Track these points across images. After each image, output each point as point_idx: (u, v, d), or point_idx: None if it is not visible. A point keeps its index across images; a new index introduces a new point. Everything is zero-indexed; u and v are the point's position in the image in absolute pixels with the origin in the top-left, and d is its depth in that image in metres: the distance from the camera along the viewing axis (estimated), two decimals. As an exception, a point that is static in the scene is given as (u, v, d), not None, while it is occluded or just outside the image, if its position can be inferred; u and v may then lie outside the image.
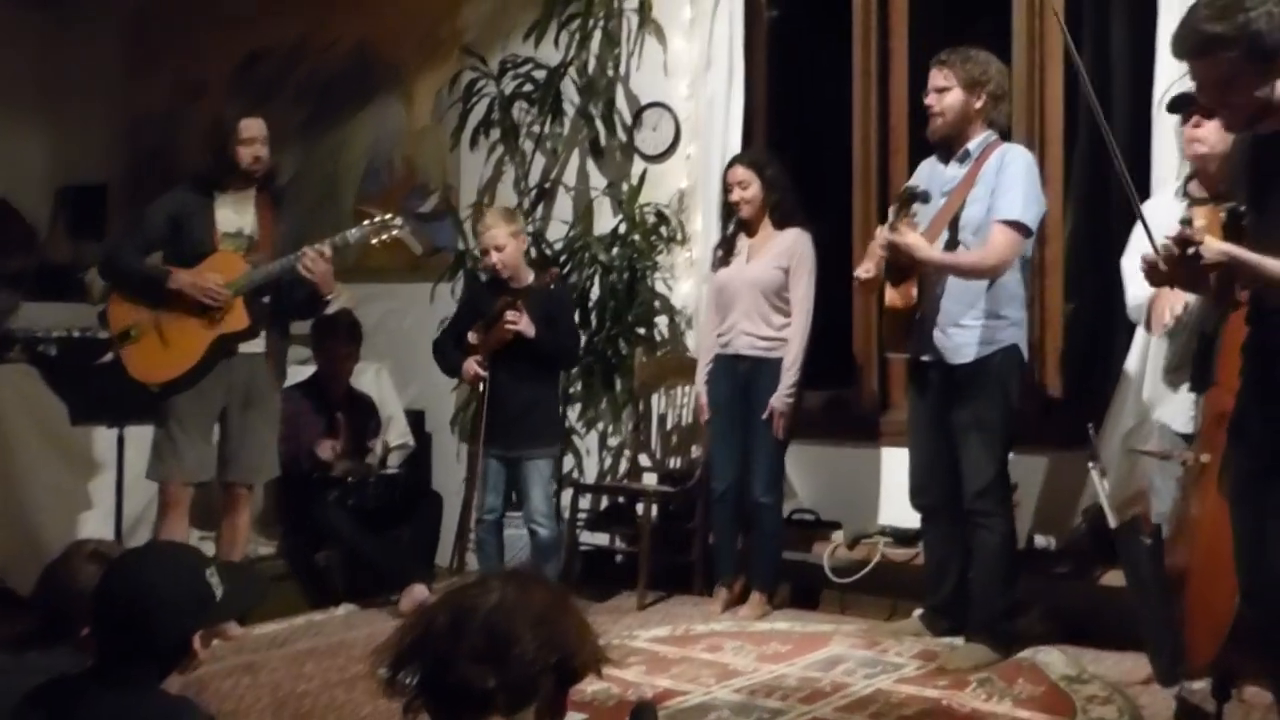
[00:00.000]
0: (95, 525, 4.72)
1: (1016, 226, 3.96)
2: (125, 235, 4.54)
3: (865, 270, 4.20)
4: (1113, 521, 3.52)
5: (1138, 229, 3.94)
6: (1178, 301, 3.71)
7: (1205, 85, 2.64)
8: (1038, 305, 4.84)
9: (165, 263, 4.42)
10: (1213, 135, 3.60)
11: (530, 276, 4.78)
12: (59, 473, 4.85)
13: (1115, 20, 5.12)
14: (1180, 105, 3.62)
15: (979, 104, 4.07)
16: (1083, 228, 4.97)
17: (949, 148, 4.15)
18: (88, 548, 2.52)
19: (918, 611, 4.44)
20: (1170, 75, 4.23)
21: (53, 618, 2.42)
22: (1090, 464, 3.60)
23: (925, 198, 4.05)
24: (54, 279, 7.03)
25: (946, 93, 4.06)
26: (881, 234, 4.05)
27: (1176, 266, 2.59)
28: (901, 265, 4.03)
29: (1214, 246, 2.56)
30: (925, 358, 4.16)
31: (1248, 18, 2.53)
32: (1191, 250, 2.53)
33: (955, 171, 4.12)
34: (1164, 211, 3.90)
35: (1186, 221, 2.59)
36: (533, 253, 5.60)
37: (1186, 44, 2.62)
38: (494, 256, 4.69)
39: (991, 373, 4.05)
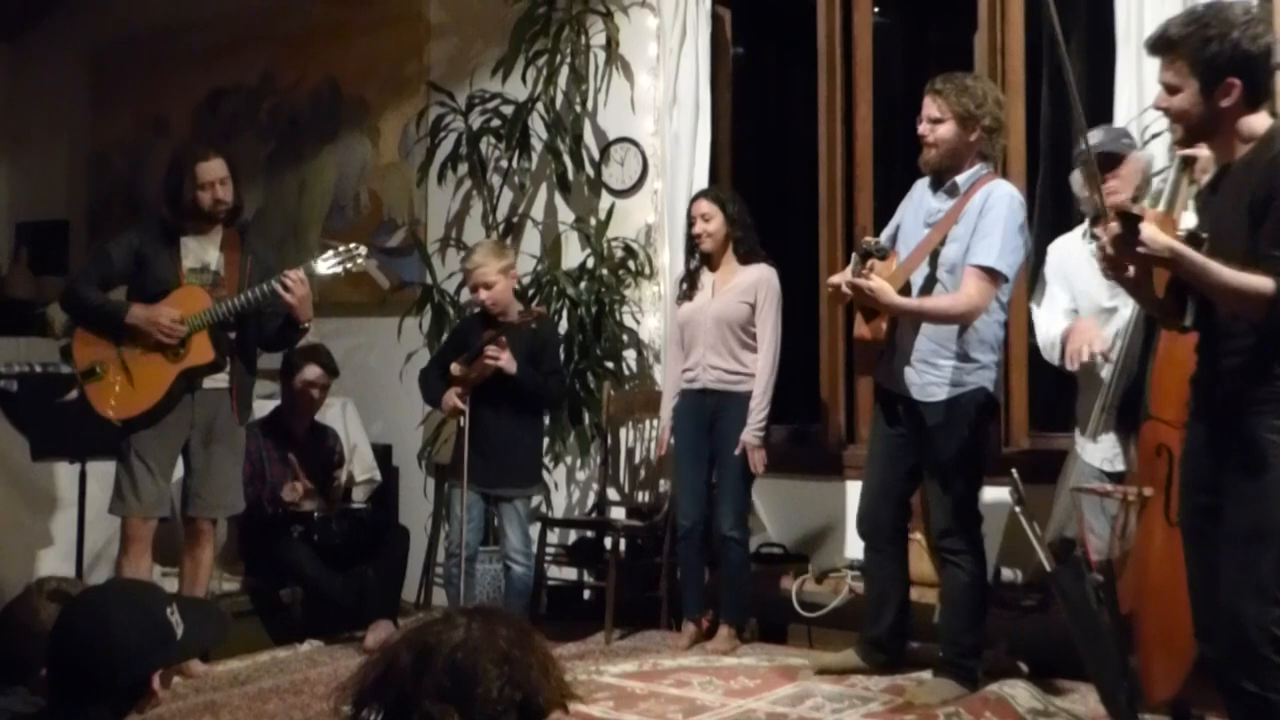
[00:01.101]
0: (56, 562, 4.66)
1: (990, 274, 3.90)
2: (86, 270, 4.51)
3: (838, 279, 4.11)
4: (1047, 565, 3.52)
5: (1046, 271, 4.03)
6: (1095, 338, 3.76)
7: (1160, 83, 2.77)
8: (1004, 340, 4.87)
9: (129, 298, 4.39)
10: (1125, 186, 3.76)
11: (517, 313, 4.76)
12: (18, 509, 4.79)
13: (1073, 56, 5.19)
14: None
15: (973, 137, 4.00)
16: (1041, 259, 5.01)
17: (940, 177, 4.09)
18: (48, 586, 2.47)
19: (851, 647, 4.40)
20: (1129, 112, 4.30)
21: (10, 659, 2.37)
22: (1017, 509, 3.62)
23: (882, 254, 4.00)
24: (15, 314, 7.00)
25: (940, 124, 3.98)
26: (843, 277, 4.00)
27: (1115, 241, 2.64)
28: (869, 305, 4.01)
29: (1159, 239, 2.61)
30: (893, 389, 4.15)
31: (1207, 35, 2.65)
32: (1129, 229, 2.59)
33: (941, 204, 4.06)
34: (1072, 252, 3.99)
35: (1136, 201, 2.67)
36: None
37: (1152, 39, 2.78)
38: (483, 294, 4.67)
39: (959, 414, 4.01)
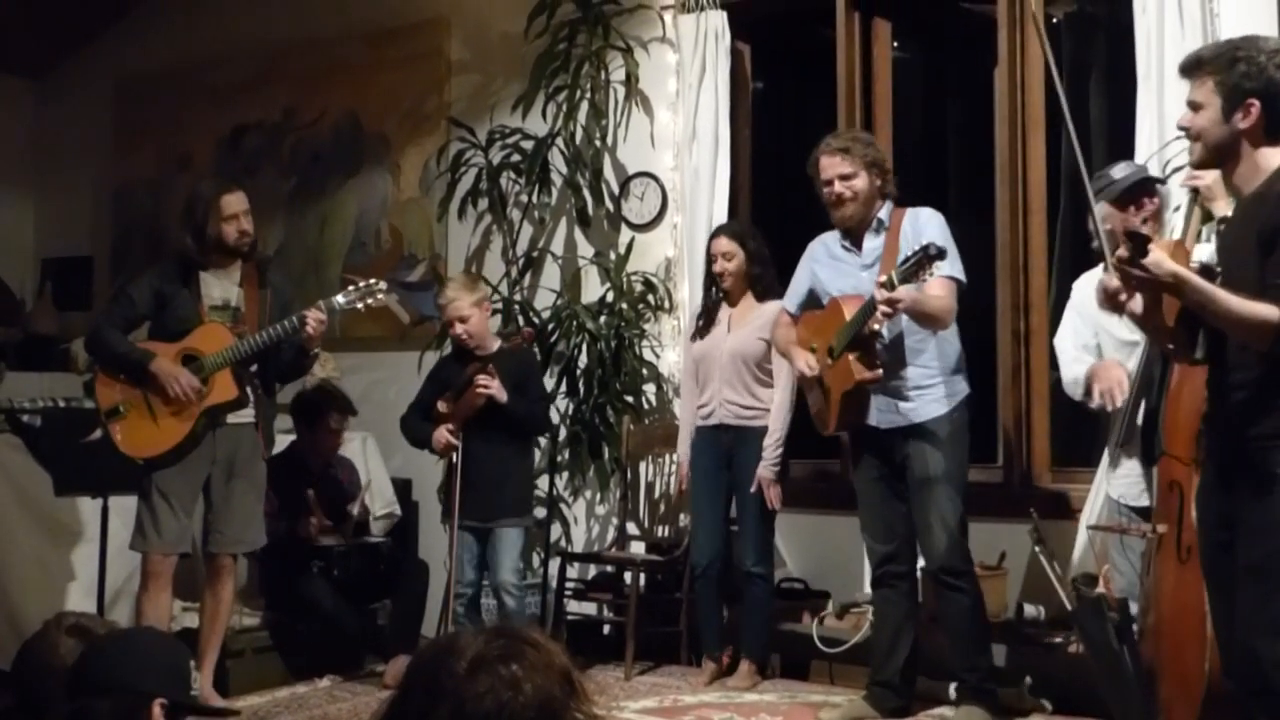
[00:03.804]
0: (78, 596, 4.67)
1: (955, 282, 4.06)
2: (109, 312, 4.52)
3: (809, 367, 4.20)
4: (1068, 604, 3.50)
5: (1070, 308, 4.03)
6: (1122, 375, 3.76)
7: (1187, 103, 2.80)
8: (1024, 374, 4.87)
9: (151, 336, 4.42)
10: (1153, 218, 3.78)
11: (496, 344, 4.77)
12: (41, 544, 4.80)
13: (1094, 94, 5.20)
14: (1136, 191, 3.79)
15: (880, 182, 4.20)
16: (1066, 296, 5.00)
17: (857, 229, 4.22)
18: (67, 622, 2.45)
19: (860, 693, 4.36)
20: (1149, 147, 4.30)
21: (30, 695, 2.36)
22: (1036, 548, 3.59)
23: (880, 339, 4.05)
24: (39, 349, 7.03)
25: (853, 178, 4.16)
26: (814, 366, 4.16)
27: (1121, 263, 2.65)
28: (870, 345, 4.03)
29: (1164, 263, 2.62)
30: (880, 425, 4.15)
31: (1235, 56, 2.69)
32: (1137, 250, 2.60)
33: (873, 243, 4.21)
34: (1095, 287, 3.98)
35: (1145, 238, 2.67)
36: (520, 321, 5.62)
37: (1184, 61, 2.83)
38: (459, 328, 4.68)
39: (954, 427, 4.11)
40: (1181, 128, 2.83)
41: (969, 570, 4.12)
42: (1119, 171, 3.91)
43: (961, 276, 4.08)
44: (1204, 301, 2.63)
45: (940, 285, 4.01)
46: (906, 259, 3.78)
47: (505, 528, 4.67)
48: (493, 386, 4.57)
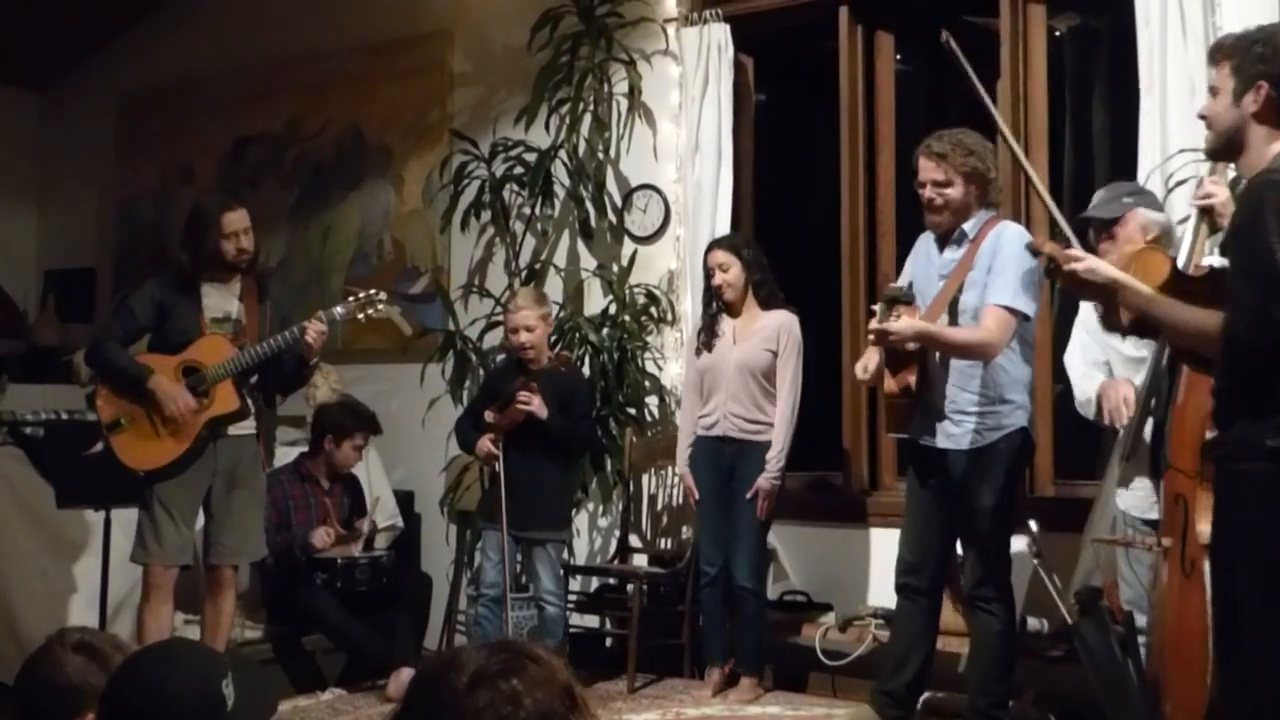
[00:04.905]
0: (79, 609, 4.67)
1: (1009, 311, 3.91)
2: (111, 325, 4.53)
3: (863, 369, 4.20)
4: (1069, 617, 3.48)
5: (1077, 326, 4.02)
6: (1129, 392, 3.75)
7: (1208, 90, 2.78)
8: (1027, 386, 4.86)
9: (152, 347, 4.43)
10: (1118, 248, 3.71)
11: (546, 360, 4.80)
12: (43, 556, 4.80)
13: (1096, 107, 5.21)
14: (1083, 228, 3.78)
15: (979, 192, 4.03)
16: (1070, 308, 5.01)
17: (947, 233, 4.10)
18: (72, 638, 2.39)
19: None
20: (1152, 160, 4.30)
21: (34, 713, 2.32)
22: (1035, 561, 3.58)
23: (909, 298, 4.01)
24: (41, 361, 7.03)
25: (947, 187, 4.00)
26: (872, 325, 4.01)
27: (1051, 275, 2.73)
28: (899, 353, 4.00)
29: (1100, 271, 2.62)
30: (925, 441, 4.09)
31: (1254, 39, 2.67)
32: (1049, 264, 2.69)
33: (952, 254, 4.07)
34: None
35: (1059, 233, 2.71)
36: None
37: (1211, 47, 2.83)
38: (523, 336, 4.73)
39: (996, 458, 3.98)
40: (1201, 115, 2.81)
41: (998, 598, 4.03)
42: (1095, 199, 3.95)
43: (1019, 305, 3.89)
44: (1144, 306, 2.63)
45: (989, 314, 3.91)
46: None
47: (542, 543, 4.74)
48: (533, 403, 4.62)
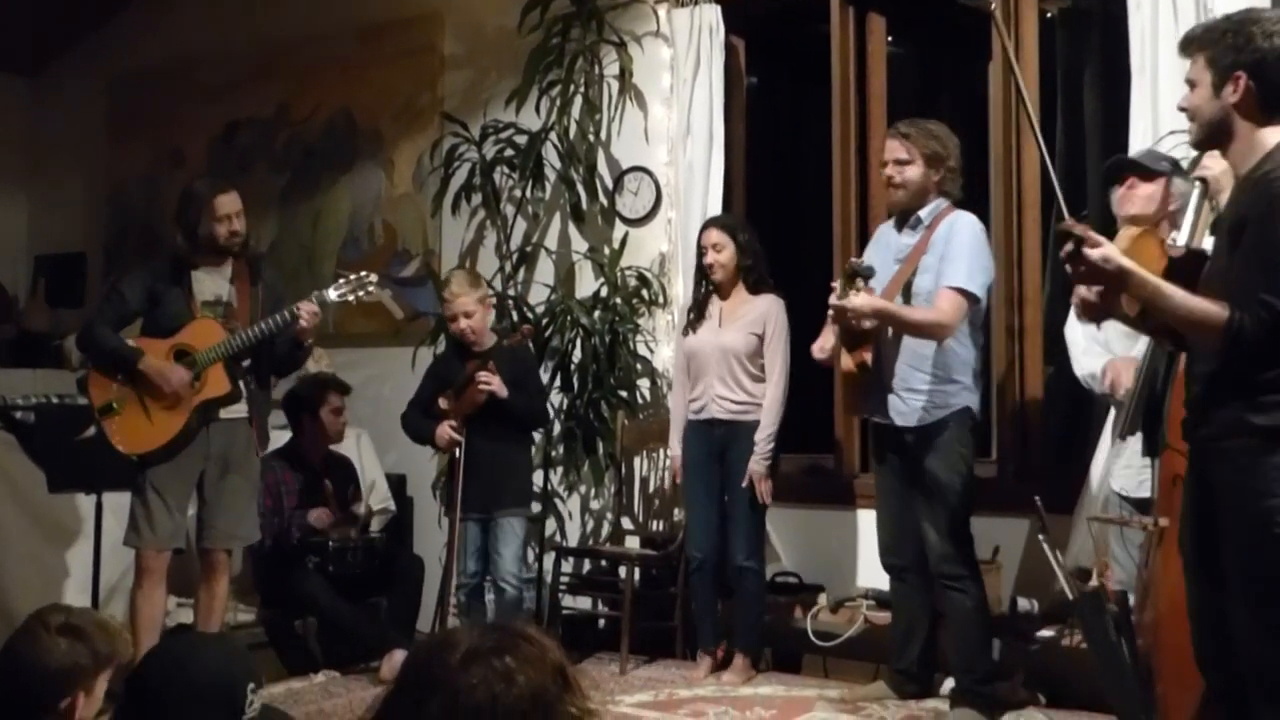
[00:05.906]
0: (72, 593, 4.67)
1: (961, 293, 4.03)
2: (102, 310, 4.52)
3: (819, 348, 4.32)
4: (1070, 593, 3.50)
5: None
6: (1130, 370, 3.75)
7: (1185, 81, 2.76)
8: (1018, 369, 4.87)
9: (144, 332, 4.42)
10: (1139, 201, 3.73)
11: (492, 340, 4.81)
12: (35, 541, 4.81)
13: (1088, 90, 5.20)
14: (1115, 170, 3.79)
15: (937, 177, 4.16)
16: (1061, 291, 5.01)
17: (904, 216, 4.24)
18: (55, 621, 2.32)
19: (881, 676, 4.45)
20: (1143, 142, 4.30)
21: (15, 698, 2.25)
22: (1040, 536, 3.59)
23: (869, 273, 4.08)
24: (32, 346, 7.02)
25: (908, 165, 4.15)
26: (831, 300, 4.10)
27: (1065, 261, 2.64)
28: (854, 331, 4.10)
29: (1112, 259, 2.59)
30: (879, 420, 4.22)
31: (1225, 29, 2.66)
32: (1071, 246, 2.59)
33: (908, 239, 4.20)
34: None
35: (1085, 218, 2.65)
36: (514, 317, 5.62)
37: (1180, 41, 2.78)
38: (463, 323, 4.74)
39: (944, 436, 4.09)
40: (1181, 108, 2.81)
41: (966, 574, 4.11)
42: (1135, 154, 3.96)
43: (971, 288, 4.03)
44: (1151, 296, 2.60)
45: (943, 296, 4.03)
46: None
47: (507, 518, 4.75)
48: (494, 383, 4.63)
